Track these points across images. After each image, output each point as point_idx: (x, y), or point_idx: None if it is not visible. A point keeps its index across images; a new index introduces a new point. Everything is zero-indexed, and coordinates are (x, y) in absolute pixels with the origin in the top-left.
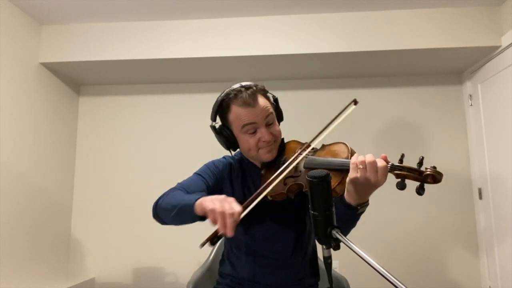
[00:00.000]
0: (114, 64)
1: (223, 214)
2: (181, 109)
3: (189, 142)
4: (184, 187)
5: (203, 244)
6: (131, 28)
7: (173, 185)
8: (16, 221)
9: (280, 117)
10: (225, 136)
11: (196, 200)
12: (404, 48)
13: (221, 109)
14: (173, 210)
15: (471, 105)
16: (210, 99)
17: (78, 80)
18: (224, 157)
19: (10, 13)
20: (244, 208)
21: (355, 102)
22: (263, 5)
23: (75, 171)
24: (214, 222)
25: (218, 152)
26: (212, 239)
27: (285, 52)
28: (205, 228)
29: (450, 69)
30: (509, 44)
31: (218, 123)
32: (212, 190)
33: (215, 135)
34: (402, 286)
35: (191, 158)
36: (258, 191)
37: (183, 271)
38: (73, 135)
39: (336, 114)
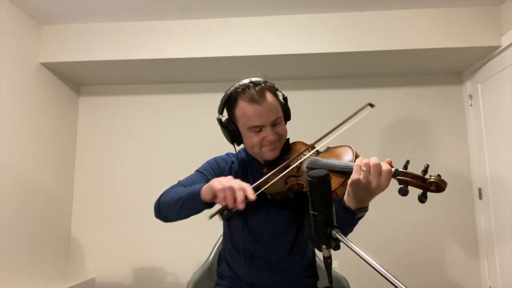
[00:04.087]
0: (114, 64)
1: (232, 188)
2: (181, 109)
3: (189, 142)
4: (184, 185)
5: (212, 216)
6: (131, 28)
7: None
8: (16, 221)
9: (287, 116)
10: (231, 130)
11: (202, 187)
12: (404, 48)
13: (228, 102)
14: (177, 203)
15: (471, 105)
16: (210, 99)
17: (78, 80)
18: (227, 154)
19: (10, 13)
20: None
21: (371, 105)
22: (264, 5)
23: (75, 171)
24: (225, 200)
25: (218, 152)
26: (222, 212)
27: (285, 52)
28: (205, 228)
29: (450, 69)
30: (509, 44)
31: (225, 116)
32: None
33: (221, 129)
34: (402, 286)
35: (191, 158)
36: (263, 178)
37: (183, 271)
38: (73, 135)
39: (348, 116)
